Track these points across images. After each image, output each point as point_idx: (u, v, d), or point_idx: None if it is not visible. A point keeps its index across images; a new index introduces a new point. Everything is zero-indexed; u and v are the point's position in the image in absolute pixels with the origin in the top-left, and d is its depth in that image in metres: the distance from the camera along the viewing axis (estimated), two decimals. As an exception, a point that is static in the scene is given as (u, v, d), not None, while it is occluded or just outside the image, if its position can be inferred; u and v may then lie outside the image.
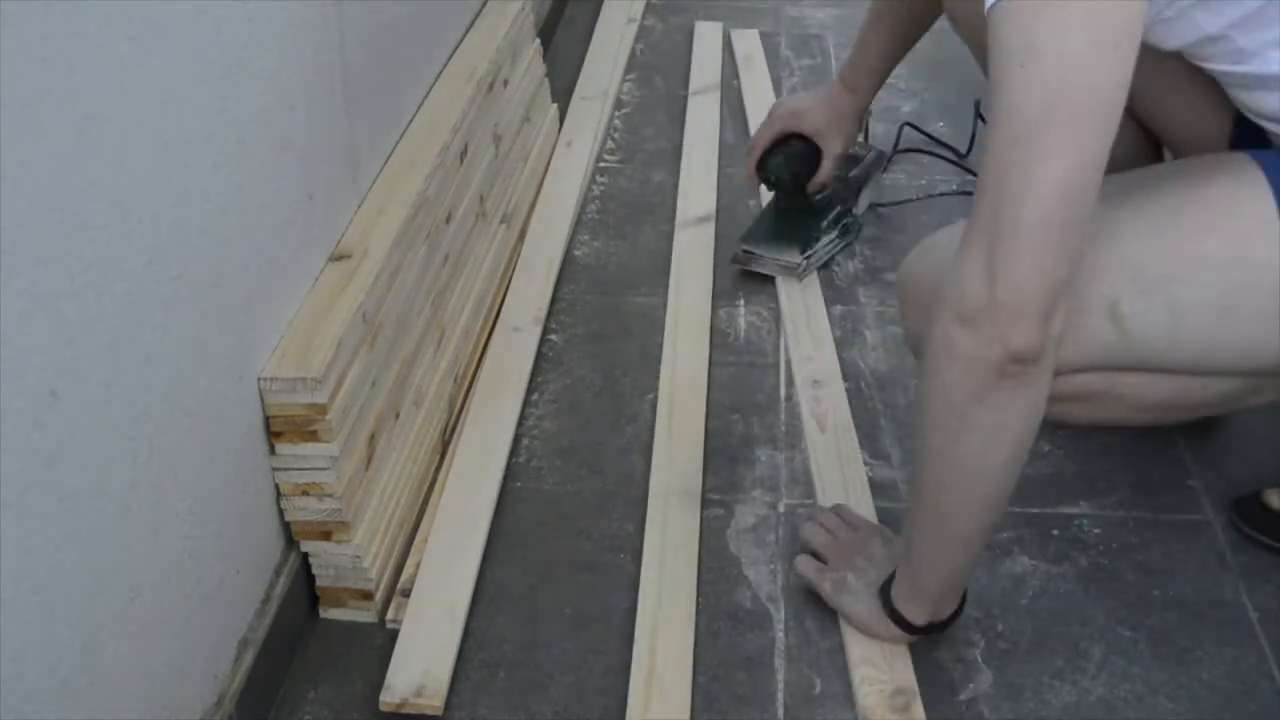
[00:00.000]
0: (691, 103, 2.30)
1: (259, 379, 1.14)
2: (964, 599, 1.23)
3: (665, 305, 1.75)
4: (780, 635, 1.27)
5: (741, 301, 1.77)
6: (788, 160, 1.78)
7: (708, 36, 2.55)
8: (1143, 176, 1.15)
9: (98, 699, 0.91)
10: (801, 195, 1.82)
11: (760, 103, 2.28)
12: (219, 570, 1.10)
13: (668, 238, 1.92)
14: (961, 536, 1.13)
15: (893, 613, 1.20)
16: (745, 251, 1.82)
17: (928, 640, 1.25)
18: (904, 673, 1.21)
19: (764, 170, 1.81)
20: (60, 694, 0.86)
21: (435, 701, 1.18)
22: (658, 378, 1.62)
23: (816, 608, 1.29)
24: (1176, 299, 1.08)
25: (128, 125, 0.90)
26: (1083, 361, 1.10)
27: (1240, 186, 1.09)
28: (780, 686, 1.22)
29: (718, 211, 1.97)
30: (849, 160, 1.88)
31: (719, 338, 1.70)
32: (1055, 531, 1.39)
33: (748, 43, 2.53)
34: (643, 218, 1.98)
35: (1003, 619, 1.29)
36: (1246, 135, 1.18)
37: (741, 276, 1.82)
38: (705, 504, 1.42)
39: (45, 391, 0.82)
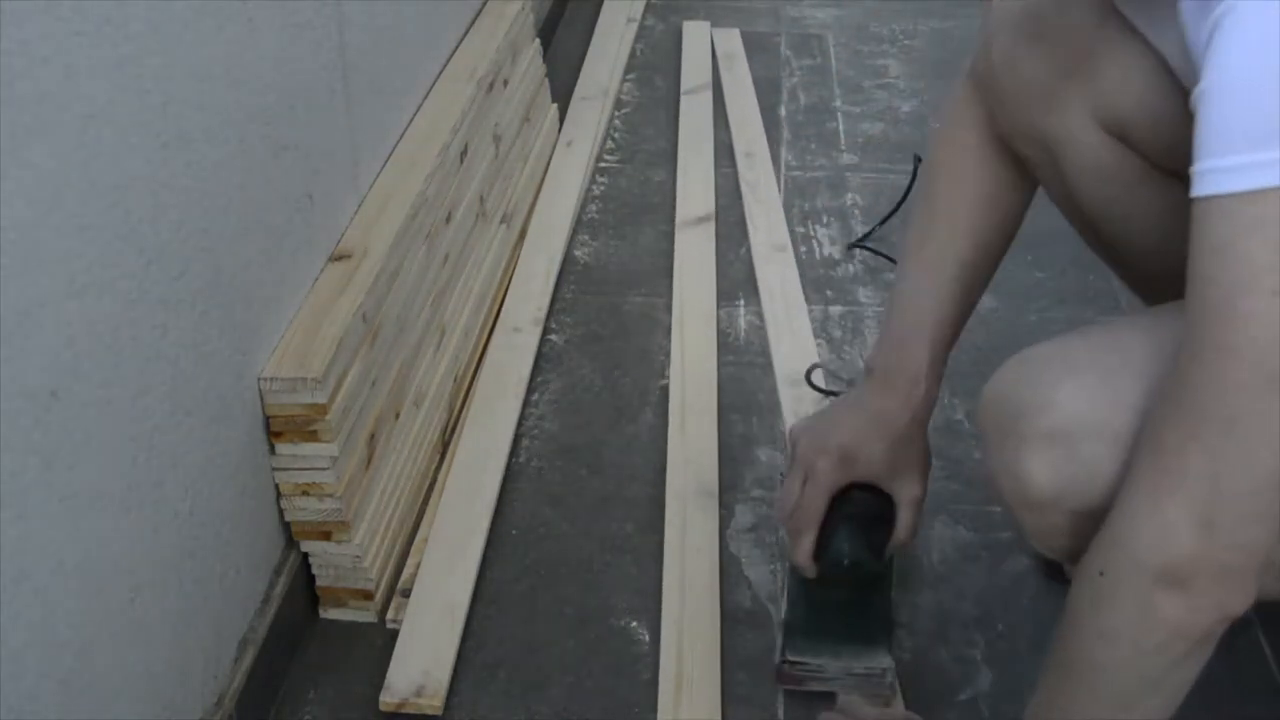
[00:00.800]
0: (684, 102, 2.30)
1: (259, 379, 1.15)
2: None
3: (670, 306, 1.75)
4: (780, 635, 1.27)
5: (741, 302, 1.77)
6: (860, 534, 1.19)
7: (696, 36, 2.55)
8: None
9: (98, 699, 0.91)
10: (874, 571, 1.21)
11: (742, 104, 2.28)
12: (219, 570, 1.10)
13: (668, 238, 1.92)
14: None
15: None
16: (793, 663, 1.19)
17: (928, 640, 1.26)
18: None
19: (830, 559, 1.18)
20: (60, 694, 0.86)
21: (435, 701, 1.18)
22: (658, 378, 1.62)
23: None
24: None
25: (128, 125, 0.90)
26: None
27: None
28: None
29: (717, 211, 1.97)
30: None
31: (719, 338, 1.70)
32: (1055, 531, 1.39)
33: (729, 42, 2.53)
34: (643, 218, 1.98)
35: (1003, 619, 1.29)
36: None
37: (742, 279, 1.82)
38: (706, 504, 1.42)
39: (45, 391, 0.82)
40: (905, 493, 1.17)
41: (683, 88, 2.35)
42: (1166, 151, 1.01)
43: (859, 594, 1.20)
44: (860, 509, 1.18)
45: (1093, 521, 0.89)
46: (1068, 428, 0.91)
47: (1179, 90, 0.97)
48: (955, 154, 1.15)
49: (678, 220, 1.94)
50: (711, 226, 1.92)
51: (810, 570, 1.18)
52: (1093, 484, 0.90)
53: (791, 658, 1.19)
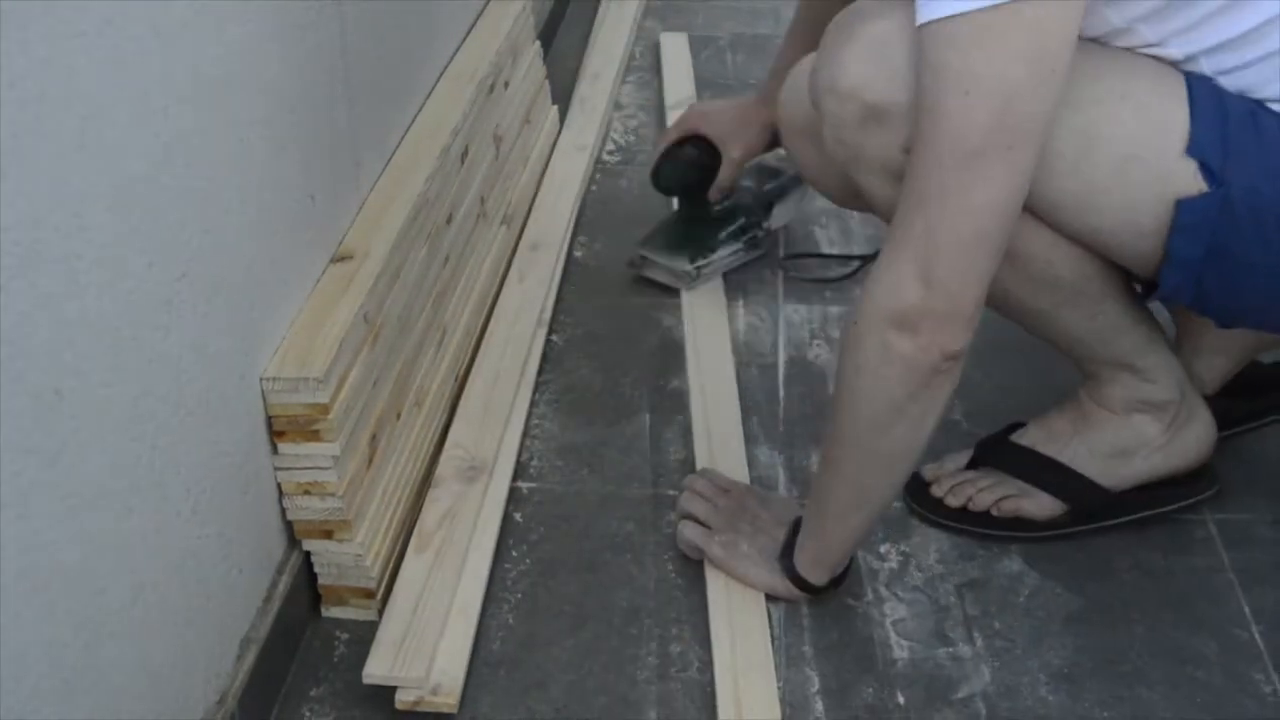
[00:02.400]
0: (669, 118, 2.27)
1: (261, 379, 1.15)
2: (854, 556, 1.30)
3: (671, 307, 1.76)
4: (780, 635, 1.28)
5: (741, 301, 1.78)
6: (676, 166, 1.76)
7: (673, 47, 2.52)
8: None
9: (99, 698, 0.91)
10: (699, 203, 1.79)
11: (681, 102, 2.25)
12: (221, 569, 1.10)
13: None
14: (878, 508, 1.22)
15: (794, 577, 1.26)
16: (641, 257, 1.80)
17: (924, 640, 1.26)
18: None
19: (658, 176, 1.79)
20: (62, 693, 0.87)
21: (450, 700, 1.18)
22: (658, 378, 1.63)
23: (815, 605, 1.30)
24: (1094, 124, 1.10)
25: (128, 125, 0.90)
26: None
27: (1164, 72, 1.12)
28: (780, 686, 1.22)
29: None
30: (766, 174, 1.83)
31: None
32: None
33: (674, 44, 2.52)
34: (642, 218, 1.98)
35: (1000, 618, 1.29)
36: None
37: (736, 278, 1.82)
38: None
39: (48, 391, 0.83)
40: (729, 153, 1.73)
41: (668, 101, 2.29)
42: None
43: (687, 219, 1.82)
44: (687, 153, 1.75)
45: (874, 122, 1.12)
46: (882, 35, 1.11)
47: None
48: None
49: None
50: None
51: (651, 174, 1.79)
52: (888, 81, 1.10)
53: (640, 251, 1.80)
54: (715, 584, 1.30)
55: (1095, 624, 1.29)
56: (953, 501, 1.38)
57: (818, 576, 1.26)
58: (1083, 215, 1.15)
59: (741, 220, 1.80)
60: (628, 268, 1.80)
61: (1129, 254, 1.18)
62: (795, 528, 1.27)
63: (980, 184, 0.99)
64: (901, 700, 1.20)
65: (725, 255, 1.79)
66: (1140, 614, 1.30)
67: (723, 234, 1.79)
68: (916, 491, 1.40)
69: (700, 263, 1.76)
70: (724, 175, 1.75)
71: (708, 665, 1.24)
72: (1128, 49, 1.12)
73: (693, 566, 1.34)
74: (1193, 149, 1.09)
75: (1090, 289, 1.23)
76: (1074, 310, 1.25)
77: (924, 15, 0.98)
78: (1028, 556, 1.36)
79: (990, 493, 1.37)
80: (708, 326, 1.71)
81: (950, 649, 1.26)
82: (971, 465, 1.41)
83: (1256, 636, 1.27)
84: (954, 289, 1.03)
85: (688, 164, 1.76)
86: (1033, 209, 1.13)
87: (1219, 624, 1.28)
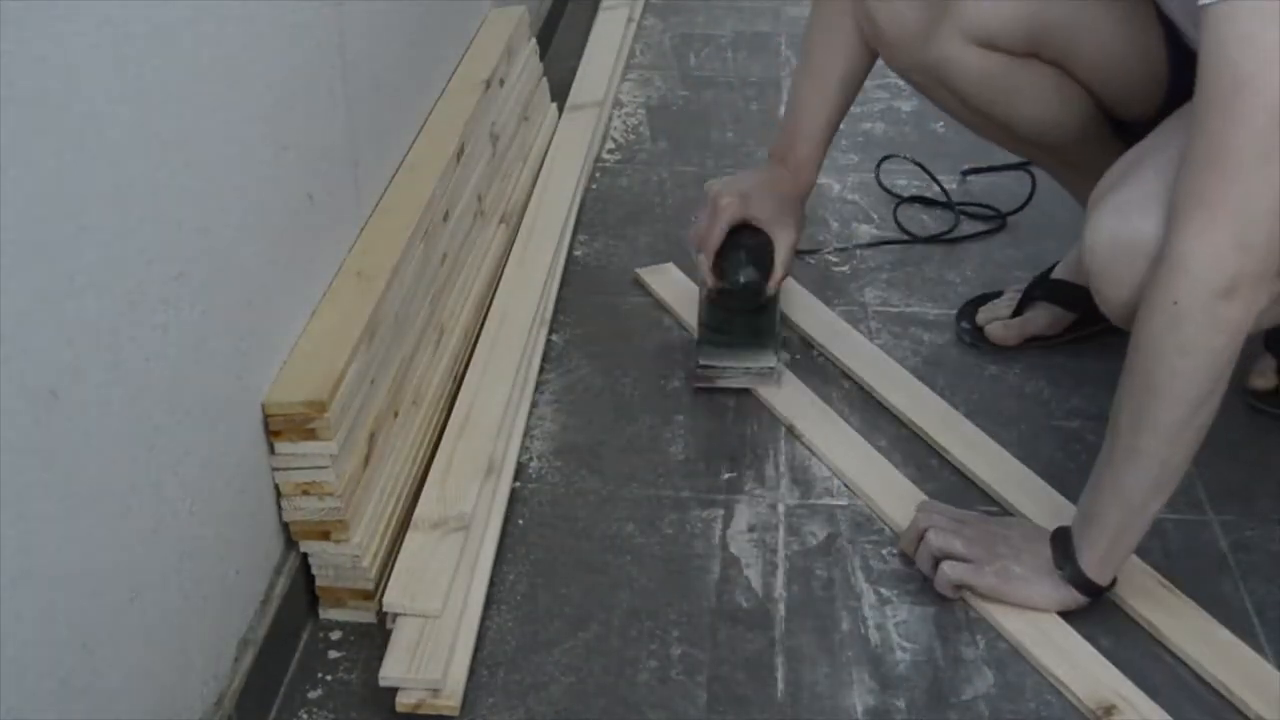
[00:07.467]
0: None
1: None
2: None
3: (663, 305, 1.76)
4: (780, 635, 1.27)
5: (741, 301, 1.77)
6: (750, 263, 1.57)
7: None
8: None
9: (97, 699, 0.91)
10: (760, 296, 1.59)
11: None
12: (219, 570, 1.10)
13: (666, 237, 1.92)
14: (1174, 486, 1.19)
15: (1083, 582, 1.23)
16: (705, 367, 1.58)
17: (927, 640, 1.26)
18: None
19: (729, 277, 1.57)
20: (60, 694, 0.86)
21: (451, 702, 1.17)
22: (658, 380, 1.62)
23: (815, 606, 1.30)
24: None
25: (128, 125, 0.90)
26: None
27: None
28: (780, 687, 1.22)
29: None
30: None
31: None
32: (1055, 531, 1.39)
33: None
34: (642, 217, 1.98)
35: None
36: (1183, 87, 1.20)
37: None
38: (706, 504, 1.42)
39: (45, 391, 0.82)
40: (783, 237, 1.58)
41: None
42: (1027, 43, 1.44)
43: (752, 311, 1.59)
44: (751, 242, 1.57)
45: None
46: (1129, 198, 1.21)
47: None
48: (831, 17, 1.59)
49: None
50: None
51: (711, 281, 1.58)
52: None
53: (704, 362, 1.58)
54: (1012, 620, 1.26)
55: (1098, 624, 1.28)
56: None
57: (1105, 576, 1.24)
58: None
59: (776, 296, 1.62)
60: (694, 386, 1.59)
61: None
62: (1057, 538, 1.25)
63: None
64: (902, 703, 1.20)
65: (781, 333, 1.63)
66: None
67: (779, 314, 1.62)
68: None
69: (782, 354, 1.61)
70: (784, 259, 1.58)
71: (707, 666, 1.24)
72: None
73: (693, 567, 1.34)
74: None
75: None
76: None
77: None
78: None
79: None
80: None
81: (953, 651, 1.25)
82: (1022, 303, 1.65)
83: (1261, 637, 1.26)
84: (1269, 250, 1.07)
85: (762, 253, 1.57)
86: None
87: (1224, 624, 1.28)
